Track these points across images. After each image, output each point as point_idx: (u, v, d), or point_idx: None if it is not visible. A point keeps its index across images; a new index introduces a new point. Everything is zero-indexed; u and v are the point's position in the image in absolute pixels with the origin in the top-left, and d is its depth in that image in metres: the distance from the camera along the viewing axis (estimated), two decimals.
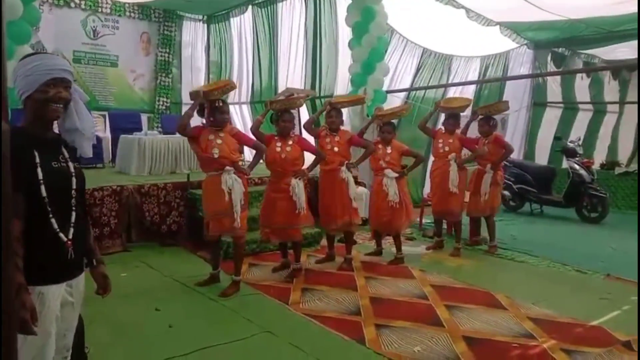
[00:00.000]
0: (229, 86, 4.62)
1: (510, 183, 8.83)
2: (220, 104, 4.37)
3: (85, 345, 2.72)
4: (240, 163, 4.58)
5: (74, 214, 1.97)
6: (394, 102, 7.91)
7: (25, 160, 1.83)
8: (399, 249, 5.62)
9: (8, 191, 1.04)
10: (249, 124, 9.91)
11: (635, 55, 9.42)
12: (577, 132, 11.07)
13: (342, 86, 8.15)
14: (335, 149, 5.15)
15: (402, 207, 5.40)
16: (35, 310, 1.75)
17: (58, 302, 1.92)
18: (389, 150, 5.44)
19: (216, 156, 4.29)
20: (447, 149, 5.86)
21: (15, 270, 1.71)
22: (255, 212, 6.02)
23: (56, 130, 2.06)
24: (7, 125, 1.03)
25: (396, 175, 5.35)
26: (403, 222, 5.51)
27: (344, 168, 5.10)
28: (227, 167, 4.29)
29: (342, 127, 5.36)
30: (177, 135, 6.83)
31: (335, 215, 5.19)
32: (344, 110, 5.84)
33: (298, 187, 4.72)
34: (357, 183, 6.96)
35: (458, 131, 6.00)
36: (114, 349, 3.31)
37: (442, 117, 6.30)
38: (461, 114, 6.08)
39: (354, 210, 5.21)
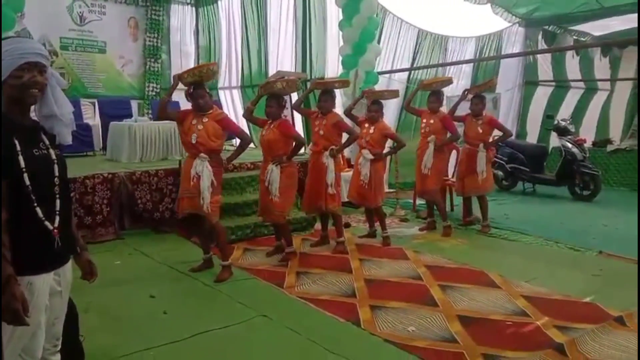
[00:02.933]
0: (202, 69, 4.42)
1: (503, 162, 8.86)
2: (192, 89, 4.34)
3: (80, 334, 2.72)
4: (223, 149, 4.50)
5: (58, 201, 1.94)
6: (394, 86, 7.87)
7: (6, 149, 1.79)
8: (383, 227, 5.64)
9: None
10: (240, 109, 9.92)
11: (626, 27, 9.40)
12: (568, 109, 11.10)
13: (332, 68, 8.09)
14: (321, 132, 5.14)
15: (370, 188, 5.41)
16: (25, 300, 1.74)
17: (47, 291, 1.91)
18: (371, 130, 5.43)
19: (194, 141, 4.29)
20: (427, 129, 5.93)
21: (3, 261, 1.70)
22: (248, 198, 6.05)
23: (33, 117, 2.02)
24: None
25: (371, 157, 5.35)
26: (370, 201, 5.53)
27: (326, 153, 5.06)
28: (202, 155, 4.27)
29: (334, 110, 5.32)
30: (168, 121, 6.81)
31: (310, 199, 5.25)
32: (337, 93, 5.82)
33: (272, 174, 4.66)
34: (350, 166, 6.96)
35: (443, 109, 6.04)
36: (109, 336, 3.30)
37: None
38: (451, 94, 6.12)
39: (330, 196, 5.11)
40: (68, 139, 2.07)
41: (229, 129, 4.50)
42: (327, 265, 4.81)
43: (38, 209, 1.85)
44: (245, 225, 5.69)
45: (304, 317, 3.67)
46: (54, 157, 1.96)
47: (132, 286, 4.25)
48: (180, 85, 4.41)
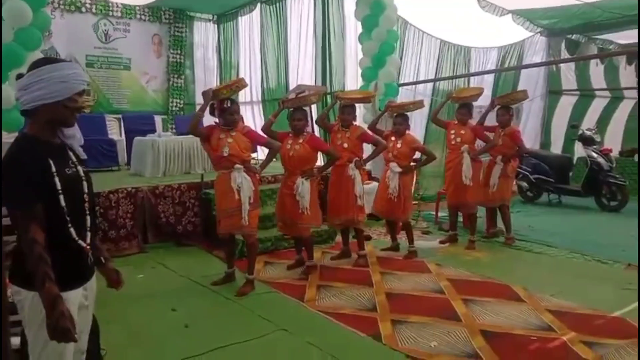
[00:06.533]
0: (238, 84, 4.56)
1: (527, 173, 8.73)
2: (229, 104, 4.36)
3: (102, 347, 2.74)
4: (252, 162, 4.57)
5: (88, 218, 1.98)
6: (418, 98, 7.82)
7: (43, 170, 1.83)
8: (410, 241, 5.59)
9: None
10: (260, 123, 9.98)
11: None
12: (593, 119, 10.88)
13: (351, 81, 8.11)
14: (345, 144, 5.12)
15: (399, 202, 5.37)
16: (73, 318, 1.77)
17: (77, 306, 1.94)
18: (399, 143, 5.39)
19: (226, 154, 4.31)
20: (459, 140, 5.80)
21: (48, 280, 1.73)
22: (269, 210, 6.06)
23: None
24: None
25: (400, 170, 5.32)
26: (399, 215, 5.49)
27: (352, 165, 5.05)
28: (237, 165, 4.29)
29: (355, 123, 5.32)
30: (191, 136, 6.88)
31: (339, 211, 5.19)
32: (357, 106, 5.81)
33: (302, 187, 4.67)
34: (371, 178, 6.94)
35: (472, 121, 5.93)
36: (130, 350, 3.33)
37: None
38: (476, 103, 6.02)
39: (359, 208, 5.13)
40: (84, 155, 2.14)
41: (257, 141, 4.59)
42: (348, 279, 4.78)
43: (72, 229, 1.89)
44: (266, 238, 5.69)
45: (325, 332, 3.65)
46: (82, 174, 2.00)
47: (154, 299, 4.29)
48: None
